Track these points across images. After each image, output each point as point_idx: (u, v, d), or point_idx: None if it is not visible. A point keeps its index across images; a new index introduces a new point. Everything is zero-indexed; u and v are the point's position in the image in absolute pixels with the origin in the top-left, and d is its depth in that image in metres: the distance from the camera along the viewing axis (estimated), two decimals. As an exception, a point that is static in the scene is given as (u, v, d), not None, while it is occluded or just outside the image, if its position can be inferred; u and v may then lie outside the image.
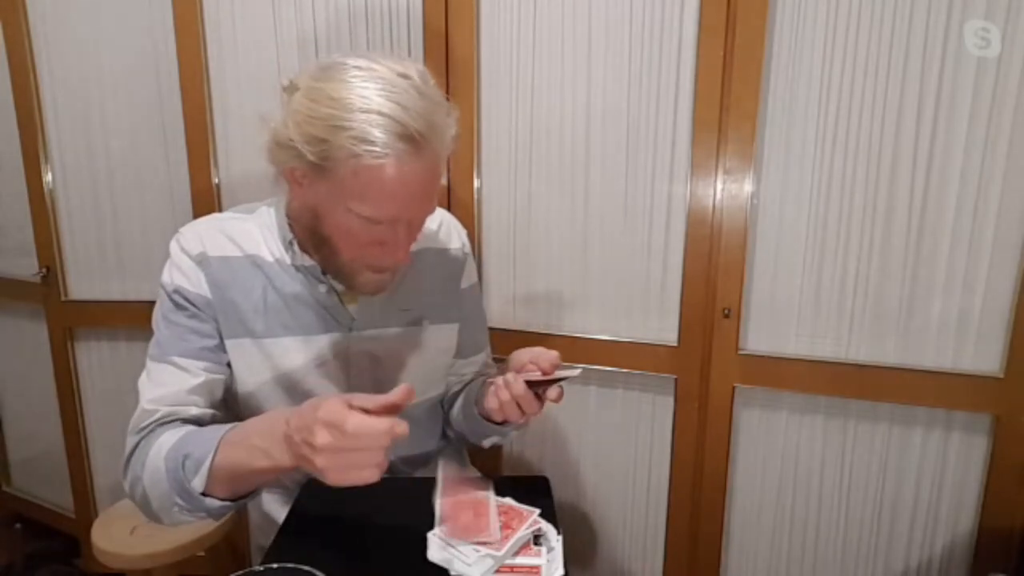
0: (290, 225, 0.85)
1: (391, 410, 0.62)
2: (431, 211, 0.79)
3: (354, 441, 0.58)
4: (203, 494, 0.71)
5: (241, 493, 0.74)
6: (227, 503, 0.73)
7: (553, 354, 0.79)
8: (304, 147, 0.70)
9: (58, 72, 1.52)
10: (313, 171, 0.72)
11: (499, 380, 0.79)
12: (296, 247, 0.84)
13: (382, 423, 0.59)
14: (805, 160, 1.15)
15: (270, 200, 0.89)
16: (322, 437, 0.59)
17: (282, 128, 0.72)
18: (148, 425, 0.77)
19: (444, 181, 1.36)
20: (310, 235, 0.81)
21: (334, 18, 1.33)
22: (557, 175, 1.30)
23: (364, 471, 0.59)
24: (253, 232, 0.85)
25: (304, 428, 0.61)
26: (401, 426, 0.60)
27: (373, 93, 0.68)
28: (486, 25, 1.29)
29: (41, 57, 1.51)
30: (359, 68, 0.70)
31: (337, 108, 0.68)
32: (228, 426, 0.74)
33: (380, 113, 0.67)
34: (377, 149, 0.67)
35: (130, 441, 0.78)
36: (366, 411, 0.60)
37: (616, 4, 1.20)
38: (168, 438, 0.75)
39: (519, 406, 0.77)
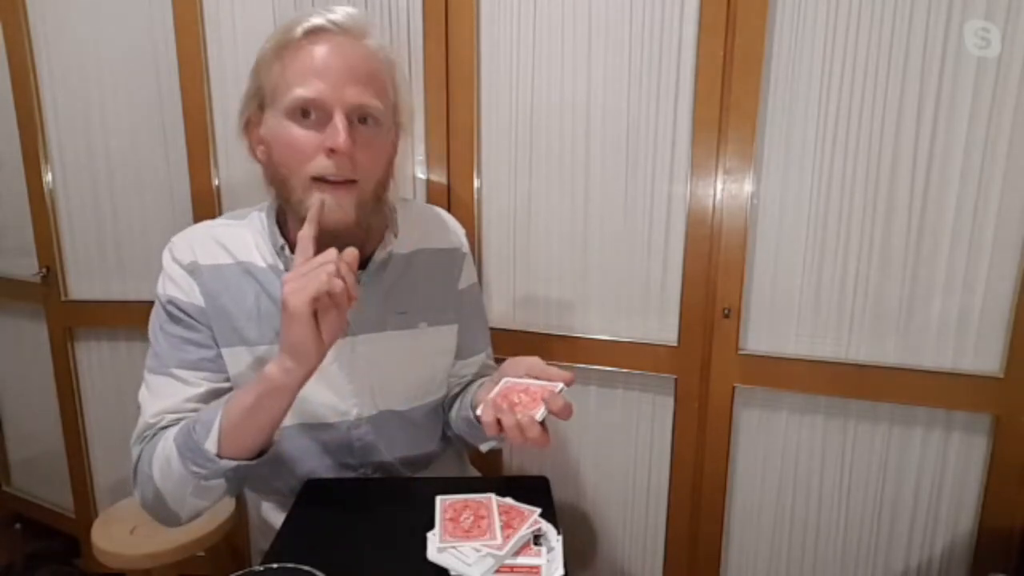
0: (281, 230, 0.84)
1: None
2: (367, 99, 0.75)
3: (309, 264, 0.68)
4: (218, 456, 0.71)
5: (253, 446, 0.73)
6: (243, 463, 0.72)
7: (548, 370, 0.75)
8: (251, 86, 0.78)
9: (58, 72, 1.52)
10: (258, 107, 0.78)
11: (501, 404, 0.73)
12: (288, 252, 0.82)
13: (330, 253, 0.68)
14: (805, 160, 1.15)
15: (261, 205, 0.88)
16: (287, 276, 0.68)
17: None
18: (152, 435, 0.78)
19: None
20: (276, 187, 0.80)
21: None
22: (557, 175, 1.30)
23: (321, 276, 0.66)
24: (245, 238, 0.84)
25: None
26: (349, 252, 0.69)
27: (297, 14, 0.76)
28: (486, 25, 1.29)
29: (41, 57, 1.51)
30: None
31: (271, 35, 0.76)
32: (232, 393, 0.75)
33: (300, 19, 0.74)
34: (295, 36, 0.74)
35: (135, 451, 0.78)
36: None
37: (616, 4, 1.20)
38: (173, 429, 0.76)
39: (521, 431, 0.72)
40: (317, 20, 0.74)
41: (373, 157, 0.78)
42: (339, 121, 0.73)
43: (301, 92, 0.73)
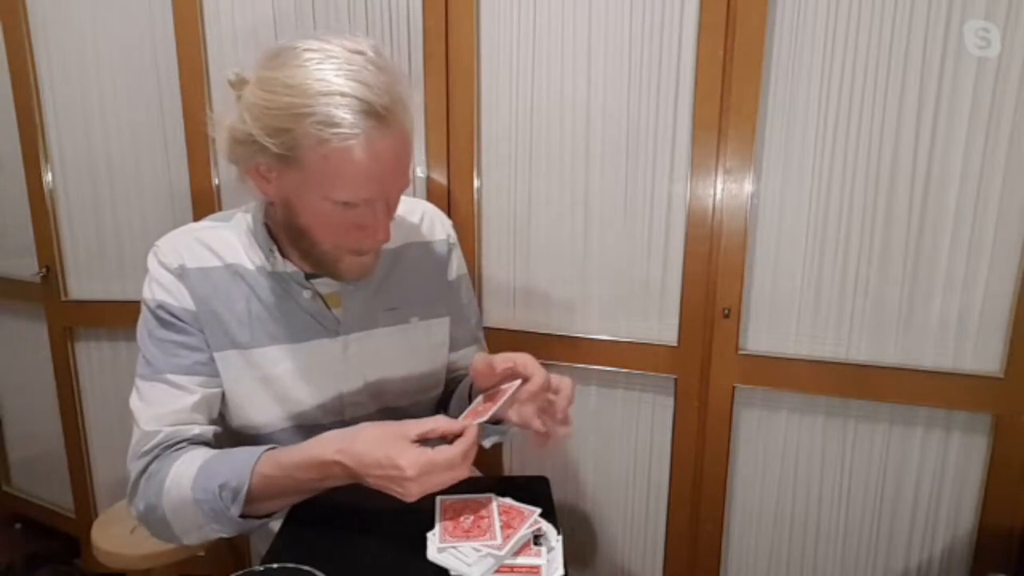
0: (269, 231, 0.83)
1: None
2: (406, 185, 0.77)
3: (440, 465, 0.66)
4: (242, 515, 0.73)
5: (279, 509, 0.77)
6: (264, 519, 0.76)
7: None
8: (267, 140, 0.69)
9: (58, 72, 1.52)
10: (280, 163, 0.71)
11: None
12: (277, 254, 0.81)
13: (456, 454, 0.67)
14: (805, 160, 1.15)
15: (246, 206, 0.87)
16: (412, 470, 0.66)
17: (239, 124, 0.71)
18: (151, 449, 0.76)
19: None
20: (286, 229, 0.79)
21: (334, 19, 1.33)
22: (557, 175, 1.30)
23: (444, 485, 0.67)
24: (232, 240, 0.83)
25: (378, 464, 0.67)
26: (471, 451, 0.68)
27: (331, 74, 0.67)
28: (486, 26, 1.29)
29: (41, 57, 1.51)
30: (311, 50, 0.68)
31: (296, 95, 0.67)
32: (255, 451, 0.74)
33: (342, 94, 0.66)
34: (344, 131, 0.67)
35: (135, 466, 0.77)
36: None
37: (616, 4, 1.20)
38: (186, 466, 0.74)
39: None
40: (372, 120, 0.67)
41: (394, 212, 0.79)
42: (381, 214, 0.75)
43: (350, 196, 0.71)
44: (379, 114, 0.67)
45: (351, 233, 0.75)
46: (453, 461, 0.66)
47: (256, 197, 0.82)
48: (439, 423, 0.70)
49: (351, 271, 0.80)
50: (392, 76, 0.70)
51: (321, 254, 0.78)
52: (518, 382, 0.74)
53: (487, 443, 0.95)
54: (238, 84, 0.72)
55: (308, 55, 0.68)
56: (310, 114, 0.66)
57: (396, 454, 0.66)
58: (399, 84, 0.70)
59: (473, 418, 0.73)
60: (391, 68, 0.71)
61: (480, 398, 0.78)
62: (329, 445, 0.70)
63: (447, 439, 0.70)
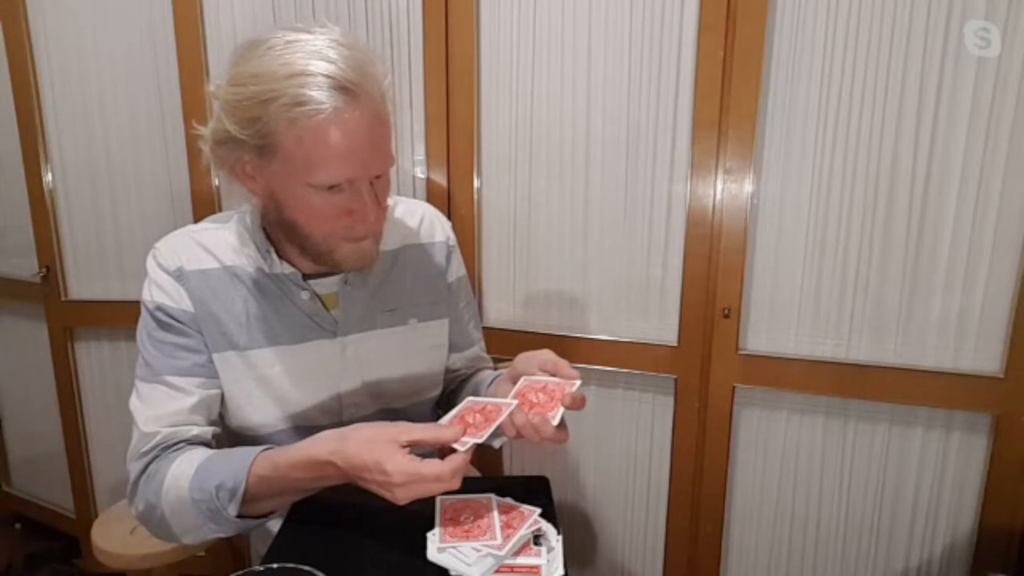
0: (266, 233, 0.83)
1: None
2: (389, 164, 0.76)
3: (427, 477, 0.65)
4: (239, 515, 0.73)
5: (277, 508, 0.77)
6: (262, 518, 0.76)
7: (563, 362, 0.77)
8: (241, 133, 0.69)
9: (58, 72, 1.52)
10: (259, 156, 0.71)
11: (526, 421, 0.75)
12: (274, 255, 0.81)
13: (446, 470, 0.65)
14: (805, 160, 1.15)
15: (244, 208, 0.86)
16: (399, 477, 0.64)
17: (216, 124, 0.71)
18: (150, 450, 0.76)
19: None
20: (279, 226, 0.79)
21: (334, 19, 1.33)
22: (557, 175, 1.30)
23: (432, 494, 0.67)
24: (230, 242, 0.83)
25: (367, 468, 0.65)
26: (461, 468, 0.67)
27: (293, 58, 0.67)
28: (486, 27, 1.29)
29: (41, 57, 1.52)
30: (275, 38, 0.69)
31: (262, 82, 0.67)
32: (252, 452, 0.73)
33: (306, 74, 0.66)
34: (312, 107, 0.66)
35: (134, 467, 0.77)
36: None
37: (616, 4, 1.20)
38: (183, 467, 0.74)
39: (536, 431, 0.75)
40: (339, 93, 0.67)
41: (385, 198, 0.79)
42: (367, 196, 0.73)
43: (329, 178, 0.70)
44: (346, 88, 0.67)
45: (340, 220, 0.74)
46: (441, 476, 0.65)
47: (247, 199, 0.81)
48: (429, 433, 0.68)
49: (349, 259, 0.78)
50: (360, 53, 0.69)
51: (315, 246, 0.77)
52: (515, 402, 0.74)
53: (497, 443, 0.95)
54: (217, 91, 0.72)
55: (271, 43, 0.68)
56: (277, 98, 0.66)
57: (384, 459, 0.65)
58: (368, 63, 0.70)
59: (461, 426, 0.72)
60: (359, 46, 0.70)
61: (467, 404, 0.76)
62: (323, 445, 0.69)
63: (437, 448, 0.70)
